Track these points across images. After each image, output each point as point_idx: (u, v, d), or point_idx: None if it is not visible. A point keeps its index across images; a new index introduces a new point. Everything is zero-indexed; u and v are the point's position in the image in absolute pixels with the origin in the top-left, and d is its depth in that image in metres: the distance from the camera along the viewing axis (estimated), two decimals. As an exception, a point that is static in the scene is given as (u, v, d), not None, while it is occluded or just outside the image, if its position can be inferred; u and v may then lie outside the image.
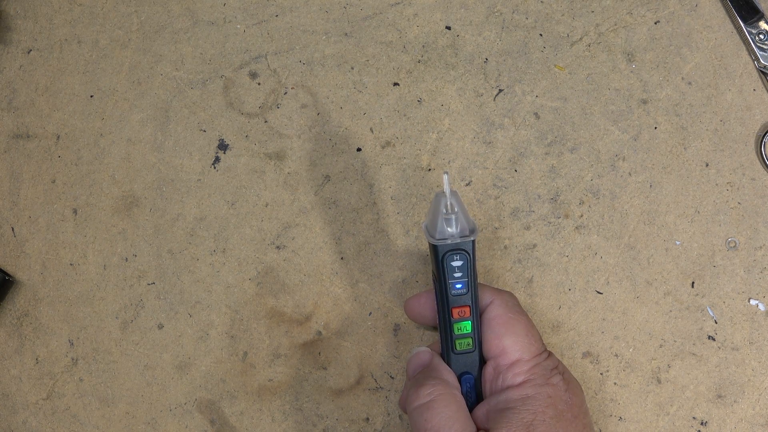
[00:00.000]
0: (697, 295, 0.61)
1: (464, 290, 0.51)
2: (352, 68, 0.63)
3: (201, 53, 0.64)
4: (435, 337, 0.60)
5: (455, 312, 0.52)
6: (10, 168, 0.64)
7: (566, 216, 0.62)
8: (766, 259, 0.61)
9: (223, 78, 0.64)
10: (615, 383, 0.60)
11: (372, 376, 0.61)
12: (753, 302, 0.61)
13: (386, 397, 0.61)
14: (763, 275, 0.61)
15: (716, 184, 0.62)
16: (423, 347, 0.55)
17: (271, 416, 0.61)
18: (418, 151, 0.62)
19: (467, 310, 0.52)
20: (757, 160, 0.62)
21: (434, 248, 0.51)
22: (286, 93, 0.63)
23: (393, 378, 0.61)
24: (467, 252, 0.51)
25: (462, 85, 0.63)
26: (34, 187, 0.63)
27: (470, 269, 0.51)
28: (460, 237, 0.51)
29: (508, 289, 0.60)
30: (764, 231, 0.61)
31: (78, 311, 0.63)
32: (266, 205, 0.63)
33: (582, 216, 0.62)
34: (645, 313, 0.61)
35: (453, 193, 0.51)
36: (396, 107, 0.63)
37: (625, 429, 0.60)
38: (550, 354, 0.53)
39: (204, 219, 0.63)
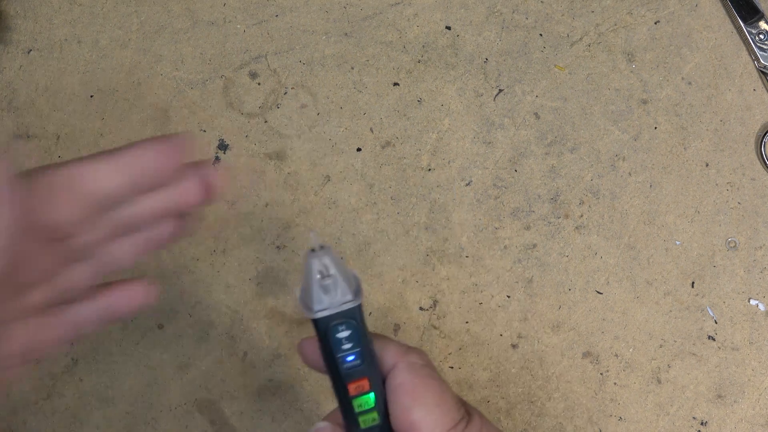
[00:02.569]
0: (697, 295, 0.61)
1: (359, 362, 0.43)
2: (352, 68, 0.63)
3: (201, 53, 0.64)
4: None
5: (351, 387, 0.44)
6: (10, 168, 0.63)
7: (566, 216, 0.62)
8: (766, 259, 0.61)
9: (223, 78, 0.64)
10: (615, 383, 0.60)
11: (372, 376, 0.61)
12: (753, 302, 0.61)
13: (386, 397, 0.61)
14: (763, 275, 0.61)
15: (716, 184, 0.62)
16: (323, 423, 0.46)
17: (271, 416, 0.61)
18: (418, 151, 0.62)
19: (365, 383, 0.44)
20: (757, 160, 0.62)
21: (314, 322, 0.43)
22: (286, 93, 0.64)
23: (393, 378, 0.61)
24: (354, 319, 0.43)
25: (462, 85, 0.63)
26: (34, 187, 0.63)
27: (361, 336, 0.43)
28: (342, 303, 0.42)
29: (507, 291, 0.60)
30: (764, 231, 0.61)
31: (78, 311, 0.63)
32: (266, 205, 0.63)
33: (582, 216, 0.62)
34: (645, 313, 0.61)
35: (324, 249, 0.42)
36: (396, 107, 0.63)
37: (625, 429, 0.60)
38: (470, 419, 0.44)
39: (204, 219, 0.63)
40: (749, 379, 0.60)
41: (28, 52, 0.64)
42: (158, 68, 0.64)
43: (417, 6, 0.64)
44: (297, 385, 0.61)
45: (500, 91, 0.63)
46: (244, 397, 0.61)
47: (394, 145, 0.63)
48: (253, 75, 0.64)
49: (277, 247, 0.62)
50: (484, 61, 0.63)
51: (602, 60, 0.63)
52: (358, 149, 0.63)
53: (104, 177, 0.37)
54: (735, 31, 0.63)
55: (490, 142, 0.62)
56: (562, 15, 0.63)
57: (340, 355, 0.43)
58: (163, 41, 0.64)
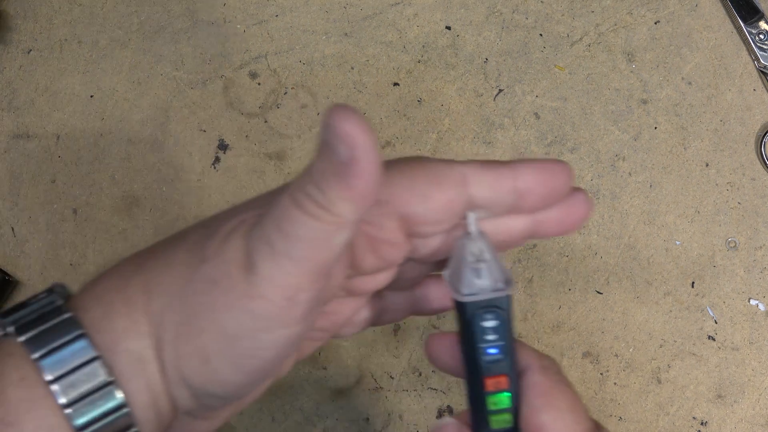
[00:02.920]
0: (697, 295, 0.61)
1: (500, 356, 0.41)
2: (352, 68, 0.63)
3: (201, 53, 0.64)
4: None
5: (489, 383, 0.41)
6: (10, 168, 0.64)
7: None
8: (766, 259, 0.61)
9: (223, 78, 0.64)
10: (615, 383, 0.60)
11: (372, 376, 0.61)
12: (753, 302, 0.61)
13: (386, 397, 0.61)
14: (763, 275, 0.61)
15: (716, 184, 0.62)
16: (449, 419, 0.45)
17: (271, 416, 0.61)
18: (418, 151, 0.62)
19: (504, 380, 0.41)
20: (757, 160, 0.62)
21: (460, 306, 0.41)
22: (286, 93, 0.64)
23: (393, 378, 0.61)
24: (503, 309, 0.41)
25: (462, 85, 0.63)
26: (34, 187, 0.63)
27: (507, 330, 0.41)
28: (493, 291, 0.40)
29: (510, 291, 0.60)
30: (764, 231, 0.61)
31: (78, 311, 0.63)
32: (266, 205, 0.63)
33: (582, 216, 0.62)
34: (645, 313, 0.61)
35: (481, 235, 0.40)
36: (396, 107, 0.63)
37: (625, 429, 0.60)
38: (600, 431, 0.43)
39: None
40: (749, 379, 0.60)
41: (28, 52, 0.64)
42: (158, 68, 0.64)
43: (417, 6, 0.64)
44: (297, 385, 0.61)
45: (500, 91, 0.63)
46: (244, 397, 0.61)
47: (394, 145, 0.63)
48: (253, 75, 0.64)
49: (277, 247, 0.62)
50: (484, 61, 0.63)
51: (602, 60, 0.63)
52: (358, 149, 0.63)
53: (487, 187, 0.36)
54: (735, 31, 0.63)
55: (490, 142, 0.62)
56: (562, 15, 0.63)
57: (482, 345, 0.41)
58: (163, 41, 0.64)
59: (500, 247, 0.39)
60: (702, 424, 0.60)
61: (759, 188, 0.61)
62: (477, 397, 0.42)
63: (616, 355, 0.61)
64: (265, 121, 0.63)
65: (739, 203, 0.61)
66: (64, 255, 0.63)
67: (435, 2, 0.64)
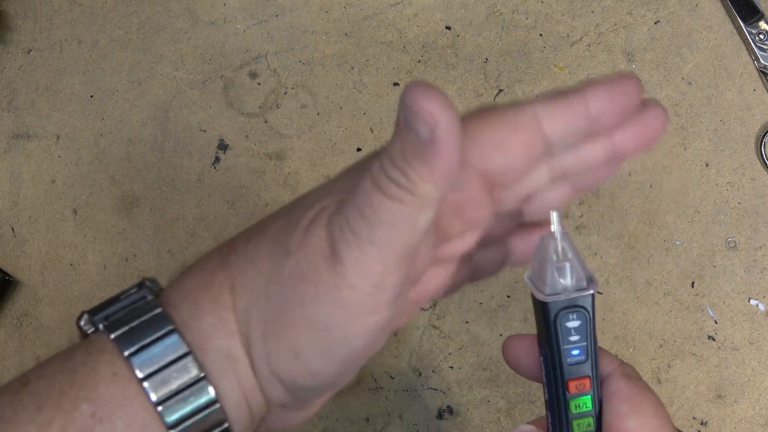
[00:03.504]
0: (697, 295, 0.61)
1: (583, 357, 0.40)
2: (352, 68, 0.63)
3: (201, 53, 0.64)
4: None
5: (572, 385, 0.40)
6: (10, 168, 0.64)
7: (566, 216, 0.62)
8: (766, 259, 0.61)
9: (223, 78, 0.64)
10: (615, 383, 0.60)
11: (372, 376, 0.61)
12: (753, 302, 0.61)
13: (386, 397, 0.61)
14: (763, 275, 0.61)
15: (716, 184, 0.62)
16: (527, 426, 0.43)
17: (271, 416, 0.61)
18: (418, 151, 0.62)
19: (587, 382, 0.40)
20: (757, 160, 0.62)
21: (543, 306, 0.40)
22: (286, 93, 0.64)
23: (393, 378, 0.61)
24: (586, 309, 0.40)
25: (462, 85, 0.63)
26: (34, 187, 0.63)
27: (590, 331, 0.40)
28: (576, 290, 0.39)
29: (507, 291, 0.60)
30: (764, 231, 0.61)
31: (78, 311, 0.62)
32: (266, 205, 0.63)
33: (582, 216, 0.62)
34: (645, 313, 0.61)
35: (564, 234, 0.39)
36: (396, 107, 0.63)
37: (625, 429, 0.60)
38: None
39: (204, 219, 0.63)
40: (749, 379, 0.60)
41: (28, 52, 0.64)
42: (158, 68, 0.64)
43: (417, 6, 0.64)
44: (297, 385, 0.61)
45: (500, 91, 0.63)
46: (244, 397, 0.61)
47: (394, 145, 0.63)
48: (253, 75, 0.64)
49: (277, 247, 0.62)
50: (484, 61, 0.63)
51: (602, 60, 0.63)
52: (358, 149, 0.63)
53: (560, 121, 0.34)
54: (735, 31, 0.63)
55: (490, 142, 0.62)
56: (562, 15, 0.63)
57: (566, 346, 0.40)
58: (163, 41, 0.64)
59: (586, 181, 0.37)
60: (702, 424, 0.60)
61: (759, 188, 0.61)
62: (559, 400, 0.41)
63: (616, 355, 0.61)
64: (265, 121, 0.63)
65: (739, 203, 0.61)
66: (64, 255, 0.63)
67: (435, 2, 0.64)
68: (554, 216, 0.39)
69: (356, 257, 0.31)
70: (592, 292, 0.39)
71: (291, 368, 0.33)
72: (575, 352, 0.40)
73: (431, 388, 0.61)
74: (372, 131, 0.63)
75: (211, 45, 0.64)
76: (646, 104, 0.35)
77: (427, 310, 0.61)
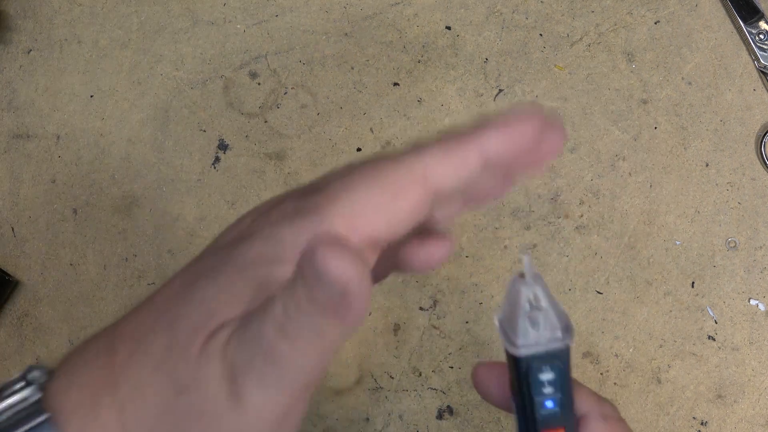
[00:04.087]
0: (697, 295, 0.61)
1: (557, 410, 0.38)
2: (352, 68, 0.63)
3: (201, 53, 0.64)
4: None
5: None
6: (10, 168, 0.64)
7: (566, 216, 0.62)
8: (766, 259, 0.61)
9: (223, 78, 0.64)
10: (615, 383, 0.60)
11: (372, 376, 0.61)
12: (753, 302, 0.61)
13: (386, 397, 0.61)
14: (763, 275, 0.61)
15: (716, 184, 0.62)
16: None
17: (271, 416, 0.61)
18: (418, 151, 0.62)
19: None
20: (757, 160, 0.62)
21: (515, 360, 0.37)
22: (286, 93, 0.64)
23: (393, 378, 0.61)
24: (561, 360, 0.37)
25: (462, 85, 0.63)
26: (34, 187, 0.63)
27: (566, 382, 0.38)
28: (550, 341, 0.37)
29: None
30: (764, 231, 0.61)
31: (78, 311, 0.63)
32: (266, 205, 0.63)
33: (582, 216, 0.62)
34: (645, 313, 0.61)
35: (536, 277, 0.37)
36: (396, 107, 0.63)
37: (625, 429, 0.60)
38: None
39: (204, 219, 0.63)
40: (749, 379, 0.60)
41: (28, 52, 0.64)
42: (158, 68, 0.64)
43: (417, 6, 0.64)
44: (297, 385, 0.61)
45: (500, 91, 0.63)
46: (244, 397, 0.61)
47: (394, 145, 0.63)
48: (253, 75, 0.64)
49: (277, 247, 0.62)
50: (484, 61, 0.63)
51: (602, 60, 0.63)
52: (358, 149, 0.63)
53: (452, 173, 0.32)
54: (735, 31, 0.63)
55: (490, 142, 0.62)
56: (562, 15, 0.63)
57: (539, 398, 0.38)
58: (163, 41, 0.64)
59: (479, 200, 0.36)
60: (702, 424, 0.60)
61: (759, 188, 0.61)
62: None
63: (616, 355, 0.61)
64: (265, 121, 0.63)
65: (739, 203, 0.61)
66: (64, 255, 0.63)
67: (435, 2, 0.64)
68: (525, 258, 0.37)
69: (260, 399, 0.30)
70: (568, 342, 0.37)
71: None
72: (549, 404, 0.38)
73: (431, 388, 0.61)
74: (372, 131, 0.63)
75: (211, 45, 0.64)
76: (545, 127, 0.34)
77: (427, 310, 0.61)
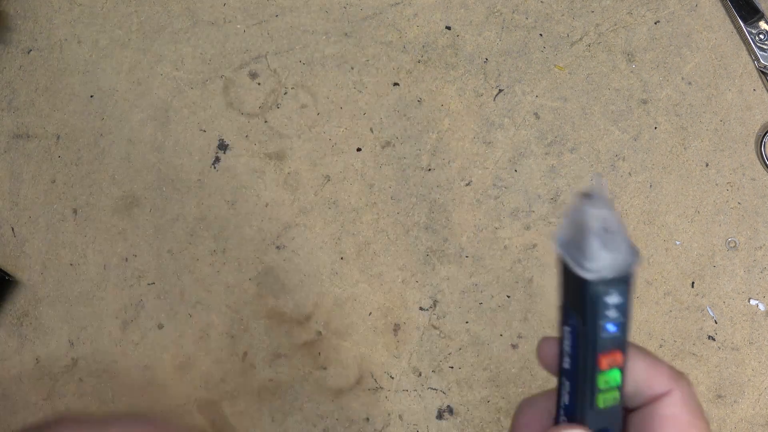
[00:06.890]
0: (697, 295, 0.61)
1: (619, 333, 0.37)
2: (352, 68, 0.63)
3: (201, 53, 0.64)
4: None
5: (604, 361, 0.37)
6: (10, 168, 0.64)
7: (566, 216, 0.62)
8: (766, 259, 0.61)
9: (223, 78, 0.64)
10: (615, 383, 0.60)
11: (372, 376, 0.61)
12: (753, 302, 0.61)
13: (386, 397, 0.61)
14: (763, 275, 0.61)
15: (716, 184, 0.62)
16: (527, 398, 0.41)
17: (271, 416, 0.61)
18: (418, 151, 0.62)
19: (619, 357, 0.38)
20: (757, 160, 0.62)
21: (583, 283, 0.36)
22: (286, 93, 0.64)
23: (393, 378, 0.61)
24: (628, 284, 0.36)
25: (462, 85, 0.63)
26: (34, 187, 0.63)
27: (629, 307, 0.37)
28: (622, 265, 0.35)
29: (507, 291, 0.60)
30: (764, 231, 0.61)
31: (78, 311, 0.63)
32: (266, 205, 0.63)
33: (582, 216, 0.62)
34: (645, 313, 0.61)
35: (605, 199, 0.35)
36: (396, 107, 0.63)
37: (625, 429, 0.60)
38: None
39: (204, 219, 0.63)
40: (749, 379, 0.60)
41: (28, 52, 0.64)
42: (158, 68, 0.64)
43: (417, 6, 0.64)
44: (297, 385, 0.61)
45: (500, 91, 0.63)
46: (244, 397, 0.61)
47: (394, 145, 0.63)
48: (253, 75, 0.64)
49: (277, 247, 0.62)
50: (484, 61, 0.63)
51: (602, 60, 0.63)
52: (358, 149, 0.63)
53: None
54: (735, 31, 0.63)
55: (490, 142, 0.62)
56: (562, 15, 0.63)
57: (602, 321, 0.36)
58: (163, 41, 0.64)
59: None
60: (702, 424, 0.60)
61: (759, 188, 0.61)
62: (585, 373, 0.38)
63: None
64: (265, 121, 0.63)
65: (739, 203, 0.61)
66: (64, 255, 0.63)
67: (435, 2, 0.64)
68: (595, 177, 0.34)
69: None
70: (636, 263, 0.35)
71: None
72: (611, 328, 0.37)
73: (431, 388, 0.61)
74: (372, 131, 0.63)
75: (211, 45, 0.64)
76: None
77: (427, 310, 0.61)
